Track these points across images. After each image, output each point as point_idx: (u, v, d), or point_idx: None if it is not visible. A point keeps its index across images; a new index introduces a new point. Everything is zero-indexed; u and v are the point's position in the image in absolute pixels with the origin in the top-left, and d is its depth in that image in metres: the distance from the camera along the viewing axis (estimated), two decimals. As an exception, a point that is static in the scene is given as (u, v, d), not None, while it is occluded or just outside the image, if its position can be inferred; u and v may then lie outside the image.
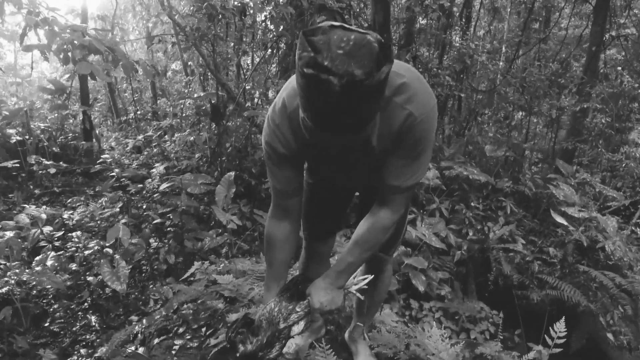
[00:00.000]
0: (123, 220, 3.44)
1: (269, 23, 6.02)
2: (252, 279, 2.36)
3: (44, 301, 3.19)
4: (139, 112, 8.21)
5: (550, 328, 1.83)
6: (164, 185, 3.52)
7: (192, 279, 2.63)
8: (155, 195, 4.85)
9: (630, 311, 3.52)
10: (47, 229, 3.37)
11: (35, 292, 3.14)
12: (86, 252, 3.19)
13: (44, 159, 4.95)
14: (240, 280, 2.30)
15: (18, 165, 4.71)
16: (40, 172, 4.85)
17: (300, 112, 0.99)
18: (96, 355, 2.12)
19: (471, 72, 6.48)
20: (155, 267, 3.83)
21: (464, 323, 3.46)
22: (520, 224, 5.16)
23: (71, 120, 6.34)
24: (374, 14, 4.99)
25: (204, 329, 2.03)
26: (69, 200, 4.59)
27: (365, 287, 1.36)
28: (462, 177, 4.91)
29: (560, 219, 4.47)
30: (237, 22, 4.75)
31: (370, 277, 1.37)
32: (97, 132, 6.70)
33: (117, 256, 3.11)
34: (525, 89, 6.22)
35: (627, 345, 3.85)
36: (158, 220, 3.79)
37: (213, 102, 5.26)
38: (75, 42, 3.39)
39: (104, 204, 4.52)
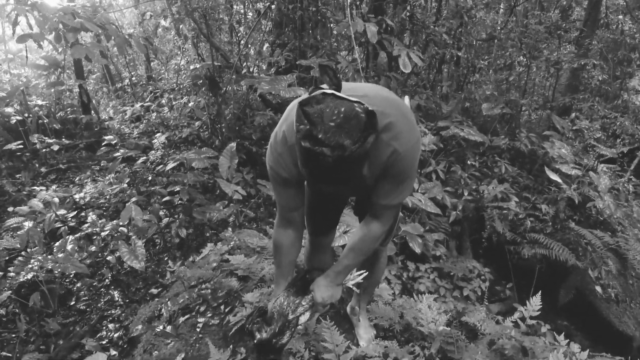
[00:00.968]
0: (134, 199, 3.61)
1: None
2: (262, 258, 2.57)
3: (67, 281, 3.42)
4: (133, 78, 8.16)
5: (536, 287, 2.04)
6: (170, 165, 3.65)
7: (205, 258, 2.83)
8: (159, 167, 5.00)
9: (614, 271, 3.75)
10: (61, 211, 3.55)
11: (56, 273, 3.36)
12: (103, 234, 3.39)
13: (46, 137, 5.04)
14: (251, 259, 2.51)
15: (22, 145, 4.81)
16: (43, 150, 4.96)
17: (299, 164, 1.14)
18: (130, 335, 2.35)
19: (468, 28, 6.37)
20: (169, 239, 4.06)
21: (457, 281, 3.72)
22: (515, 181, 5.33)
23: (67, 94, 6.34)
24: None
25: (222, 307, 2.25)
26: (77, 178, 4.74)
27: (361, 281, 1.56)
28: (459, 137, 5.02)
29: (554, 176, 4.62)
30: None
31: (365, 273, 1.57)
32: (94, 103, 6.72)
33: (132, 235, 3.31)
34: (524, 41, 6.16)
35: (615, 298, 4.12)
36: (166, 198, 3.96)
37: (209, 72, 5.26)
38: (67, 24, 3.40)
39: (111, 180, 4.68)
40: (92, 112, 6.04)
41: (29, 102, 5.45)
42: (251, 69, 6.09)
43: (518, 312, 2.09)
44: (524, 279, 4.30)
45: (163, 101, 7.03)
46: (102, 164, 5.23)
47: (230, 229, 3.96)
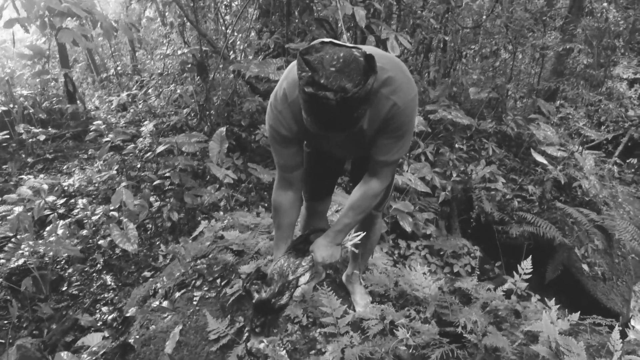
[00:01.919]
0: (124, 184, 3.59)
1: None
2: (257, 233, 2.58)
3: (58, 267, 3.40)
4: (119, 67, 8.05)
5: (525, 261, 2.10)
6: (160, 148, 3.63)
7: (200, 236, 2.84)
8: (148, 154, 4.96)
9: (603, 242, 3.84)
10: (50, 198, 3.51)
11: (47, 259, 3.34)
12: (94, 218, 3.36)
13: (32, 127, 4.97)
14: (245, 234, 2.52)
15: (8, 136, 4.73)
16: (30, 140, 4.89)
17: (303, 114, 1.15)
18: (126, 314, 2.35)
19: (455, 12, 6.42)
20: (160, 224, 4.04)
21: (447, 259, 3.79)
22: (502, 163, 5.42)
23: (52, 84, 6.25)
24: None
25: (218, 281, 2.27)
26: (64, 167, 4.69)
27: (359, 242, 1.59)
28: (447, 120, 5.07)
29: (540, 158, 4.72)
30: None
31: (363, 234, 1.60)
32: (80, 92, 6.62)
33: (123, 219, 3.30)
34: (510, 27, 6.23)
35: (602, 276, 4.23)
36: (157, 182, 3.94)
37: (197, 57, 5.22)
38: (52, 9, 3.36)
39: (100, 167, 4.63)
40: (78, 101, 5.96)
41: (14, 93, 5.36)
42: (238, 58, 6.05)
43: (508, 284, 2.15)
44: (512, 258, 4.38)
45: (150, 90, 6.97)
46: (89, 153, 5.18)
47: (222, 212, 3.97)
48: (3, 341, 2.77)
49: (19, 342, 2.61)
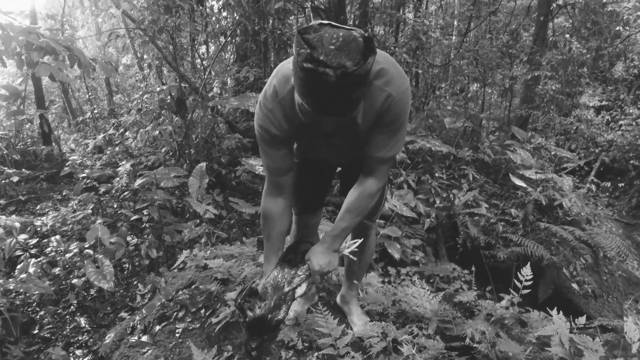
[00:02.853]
0: (99, 220, 3.42)
1: (223, 12, 5.97)
2: (242, 260, 2.46)
3: (29, 309, 3.16)
4: (95, 111, 7.96)
5: (515, 280, 2.05)
6: (138, 182, 3.51)
7: (182, 266, 2.69)
8: (125, 194, 4.80)
9: (590, 260, 3.84)
10: (22, 237, 3.32)
11: (18, 302, 3.11)
12: (67, 255, 3.17)
13: (5, 168, 4.79)
14: (230, 262, 2.40)
15: (-20, 177, 4.54)
16: (2, 181, 4.69)
17: (296, 98, 1.11)
18: (102, 350, 2.16)
19: (426, 48, 6.69)
20: (137, 263, 3.84)
21: (438, 284, 3.70)
22: (483, 189, 5.48)
23: (27, 125, 6.10)
24: (330, -4, 5.08)
25: (202, 311, 2.12)
26: (37, 207, 4.48)
27: (356, 249, 1.51)
28: (425, 150, 5.13)
29: (519, 182, 4.79)
30: (194, 12, 4.70)
31: (360, 240, 1.52)
32: (55, 135, 6.49)
33: (99, 255, 3.12)
34: (479, 60, 6.51)
35: (592, 293, 4.20)
36: (134, 217, 3.78)
37: (174, 94, 5.20)
38: (30, 43, 3.31)
39: (74, 206, 4.44)
40: (53, 143, 5.81)
41: (-15, 134, 5.20)
42: (216, 95, 6.08)
43: (506, 300, 2.08)
44: (501, 282, 4.33)
45: (127, 133, 6.87)
46: (64, 193, 4.99)
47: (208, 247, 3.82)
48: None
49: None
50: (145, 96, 4.86)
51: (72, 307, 3.21)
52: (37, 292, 2.59)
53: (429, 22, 6.31)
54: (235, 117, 6.55)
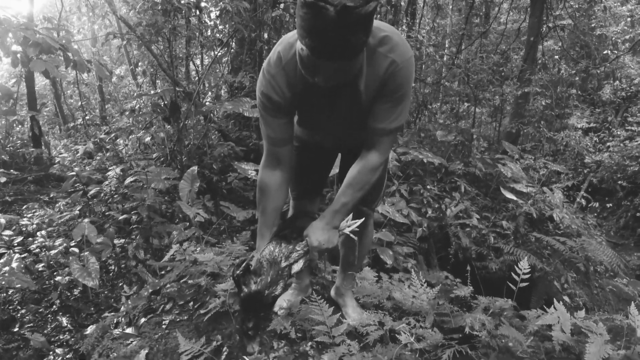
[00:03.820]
0: (87, 219, 3.34)
1: (218, 22, 6.02)
2: (233, 255, 2.40)
3: (10, 307, 3.05)
4: (87, 118, 7.89)
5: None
6: (129, 179, 3.44)
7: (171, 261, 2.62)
8: (115, 196, 4.71)
9: (583, 267, 3.82)
10: (7, 232, 3.22)
11: (-1, 299, 3.01)
12: (52, 252, 3.08)
13: (-7, 169, 4.69)
14: (221, 256, 2.34)
15: (-33, 176, 4.43)
16: (-10, 181, 4.58)
17: (298, 45, 1.11)
18: (83, 347, 2.07)
19: (418, 64, 6.79)
20: (124, 264, 3.74)
21: (432, 292, 3.65)
22: (474, 202, 5.49)
23: (18, 128, 6.02)
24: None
25: (191, 304, 2.05)
26: (24, 207, 4.38)
27: (357, 229, 1.47)
28: (417, 162, 5.15)
29: (509, 195, 4.82)
30: (191, 18, 4.73)
31: (361, 220, 1.48)
32: (45, 139, 6.40)
33: (85, 253, 3.03)
34: (470, 78, 6.62)
35: (583, 306, 4.18)
36: (123, 217, 3.70)
37: (168, 99, 5.18)
38: (26, 39, 3.29)
39: (61, 207, 4.34)
40: (43, 146, 5.72)
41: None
42: (210, 101, 6.08)
43: (503, 300, 2.05)
44: (494, 294, 4.30)
45: (119, 141, 6.80)
46: (51, 196, 4.89)
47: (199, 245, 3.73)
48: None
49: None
50: (139, 99, 4.82)
51: (54, 306, 3.10)
52: (19, 285, 2.49)
53: (422, 38, 6.42)
54: (228, 126, 6.53)
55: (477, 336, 1.57)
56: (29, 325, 2.85)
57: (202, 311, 1.93)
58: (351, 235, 1.46)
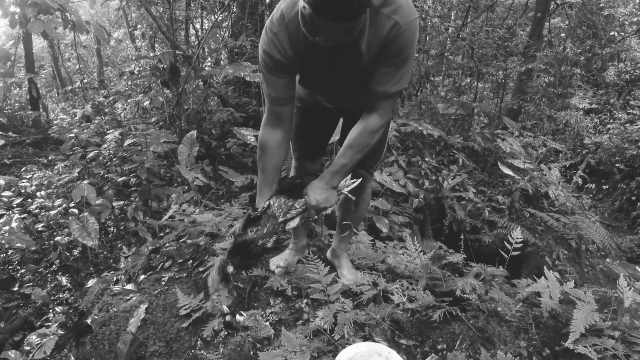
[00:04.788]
0: (86, 181, 3.35)
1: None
2: (232, 218, 2.43)
3: (10, 267, 3.09)
4: (85, 81, 7.80)
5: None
6: (127, 141, 3.44)
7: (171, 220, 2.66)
8: (114, 160, 4.71)
9: (575, 245, 3.88)
10: (6, 193, 3.24)
11: (-2, 255, 3.05)
12: (52, 212, 3.10)
13: (-9, 131, 4.67)
14: (220, 217, 2.37)
15: (-35, 138, 4.41)
16: (-12, 144, 4.57)
17: (300, 3, 1.09)
18: (83, 305, 2.12)
19: (422, 35, 6.68)
20: (122, 226, 3.78)
21: (425, 261, 3.72)
22: (471, 175, 5.52)
23: (16, 91, 5.95)
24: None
25: (190, 262, 2.09)
26: (22, 169, 4.38)
27: (355, 187, 1.50)
28: (417, 134, 5.14)
29: (507, 170, 4.84)
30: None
31: (359, 180, 1.51)
32: (43, 102, 6.34)
33: (85, 213, 3.05)
34: (474, 52, 6.52)
35: (574, 284, 4.27)
36: (122, 179, 3.72)
37: (167, 63, 5.10)
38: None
39: (60, 169, 4.35)
40: (41, 109, 5.68)
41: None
42: (210, 64, 5.99)
43: (494, 268, 2.10)
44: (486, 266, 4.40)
45: (117, 104, 6.74)
46: (50, 158, 4.88)
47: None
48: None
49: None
50: (138, 63, 4.75)
51: (54, 266, 3.15)
52: (19, 245, 2.52)
53: (427, 8, 6.29)
54: (227, 92, 6.47)
55: (467, 299, 1.61)
56: (29, 284, 2.89)
57: (200, 269, 1.97)
58: (349, 195, 1.48)
